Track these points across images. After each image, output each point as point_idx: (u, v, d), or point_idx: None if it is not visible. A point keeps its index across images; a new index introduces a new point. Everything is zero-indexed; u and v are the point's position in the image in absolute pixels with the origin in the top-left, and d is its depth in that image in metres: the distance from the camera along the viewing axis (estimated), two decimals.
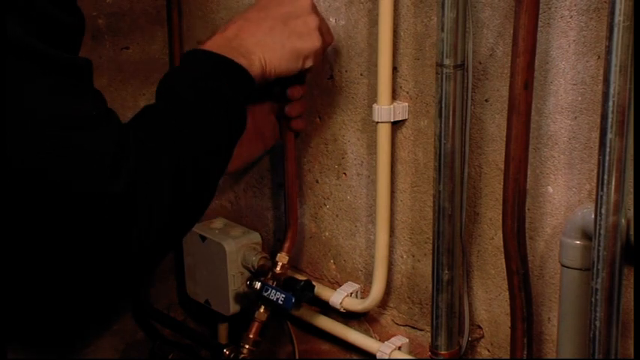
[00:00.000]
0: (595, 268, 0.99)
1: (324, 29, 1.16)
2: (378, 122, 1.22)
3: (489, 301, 1.22)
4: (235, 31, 1.09)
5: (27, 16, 0.85)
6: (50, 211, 0.84)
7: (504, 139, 1.08)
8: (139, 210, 0.88)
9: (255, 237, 1.46)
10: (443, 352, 1.20)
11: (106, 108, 0.90)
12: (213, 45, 1.06)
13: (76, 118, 0.86)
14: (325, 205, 1.38)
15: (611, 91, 0.94)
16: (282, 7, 1.13)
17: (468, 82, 1.12)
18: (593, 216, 0.99)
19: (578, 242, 1.07)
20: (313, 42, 1.14)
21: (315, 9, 1.15)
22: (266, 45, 1.09)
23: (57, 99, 0.85)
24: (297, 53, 1.12)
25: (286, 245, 1.35)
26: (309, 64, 1.14)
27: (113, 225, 0.86)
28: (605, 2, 1.01)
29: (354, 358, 1.39)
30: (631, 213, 1.00)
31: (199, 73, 1.01)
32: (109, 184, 0.85)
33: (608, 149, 0.95)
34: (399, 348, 1.31)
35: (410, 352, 1.32)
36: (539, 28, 1.04)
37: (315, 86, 1.33)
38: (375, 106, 1.22)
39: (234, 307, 1.45)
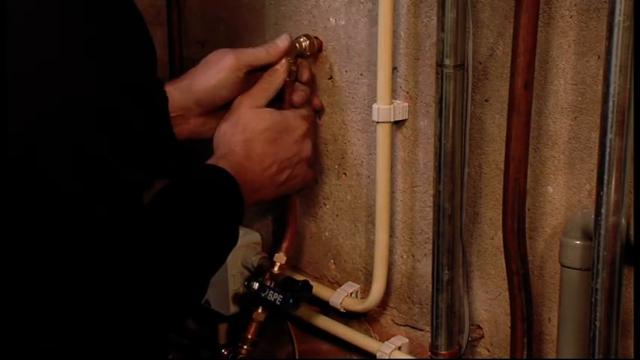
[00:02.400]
0: (595, 268, 0.99)
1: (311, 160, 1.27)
2: (377, 122, 1.22)
3: (489, 301, 1.22)
4: (245, 166, 1.17)
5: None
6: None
7: (504, 139, 1.08)
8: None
9: (255, 237, 1.45)
10: (443, 352, 1.20)
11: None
12: (233, 168, 1.13)
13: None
14: (325, 205, 1.38)
15: (611, 91, 0.94)
16: (291, 146, 1.21)
17: (468, 82, 1.12)
18: (593, 216, 0.99)
19: (578, 242, 1.07)
20: (304, 181, 1.26)
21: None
22: (267, 190, 1.20)
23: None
24: (286, 191, 1.25)
25: (284, 245, 1.35)
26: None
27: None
28: (605, 2, 1.01)
29: (354, 358, 1.39)
30: (631, 213, 1.00)
31: (212, 203, 1.10)
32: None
33: (608, 149, 0.95)
34: (399, 348, 1.31)
35: (410, 352, 1.32)
36: (539, 28, 1.04)
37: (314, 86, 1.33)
38: (375, 106, 1.22)
39: (234, 307, 1.44)
